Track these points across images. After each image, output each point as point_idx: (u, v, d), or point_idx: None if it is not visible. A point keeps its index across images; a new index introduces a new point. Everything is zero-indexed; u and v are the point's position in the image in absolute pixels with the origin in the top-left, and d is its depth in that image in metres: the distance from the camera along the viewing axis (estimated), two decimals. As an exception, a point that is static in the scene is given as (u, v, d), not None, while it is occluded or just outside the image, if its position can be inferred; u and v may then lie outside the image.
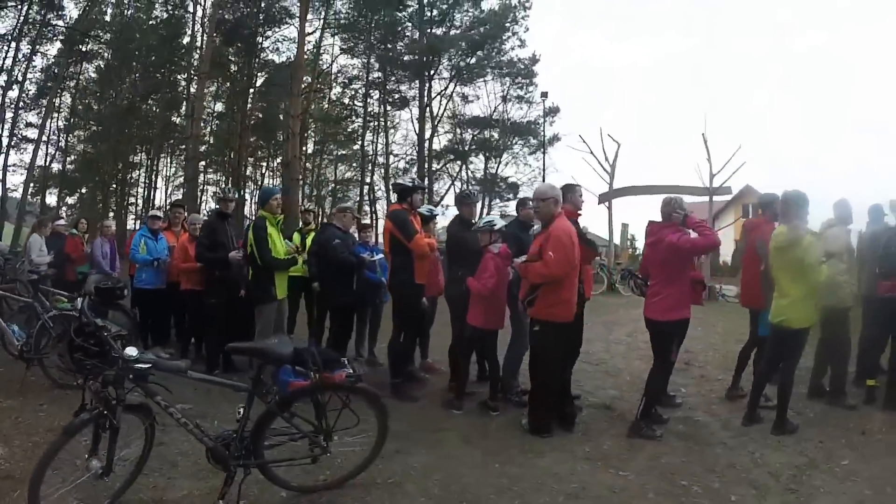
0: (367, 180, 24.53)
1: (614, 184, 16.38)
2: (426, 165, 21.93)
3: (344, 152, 25.63)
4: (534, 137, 21.65)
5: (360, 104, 23.30)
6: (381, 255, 5.39)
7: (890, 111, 40.50)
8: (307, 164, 29.04)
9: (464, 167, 23.26)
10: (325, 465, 3.00)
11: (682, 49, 48.58)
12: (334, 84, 23.95)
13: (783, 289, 4.04)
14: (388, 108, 23.41)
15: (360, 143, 24.29)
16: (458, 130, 23.53)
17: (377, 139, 24.51)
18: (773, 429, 4.01)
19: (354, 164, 24.28)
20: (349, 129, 25.06)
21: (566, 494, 3.07)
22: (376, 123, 24.22)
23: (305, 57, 21.26)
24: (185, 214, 6.53)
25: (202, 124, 22.52)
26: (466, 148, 22.85)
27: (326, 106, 25.11)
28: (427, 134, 22.36)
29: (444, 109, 23.25)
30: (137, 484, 2.74)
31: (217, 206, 5.86)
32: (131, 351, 2.43)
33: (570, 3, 46.28)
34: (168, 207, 12.28)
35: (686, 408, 4.66)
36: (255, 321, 4.82)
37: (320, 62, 22.28)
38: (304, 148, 28.45)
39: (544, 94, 20.99)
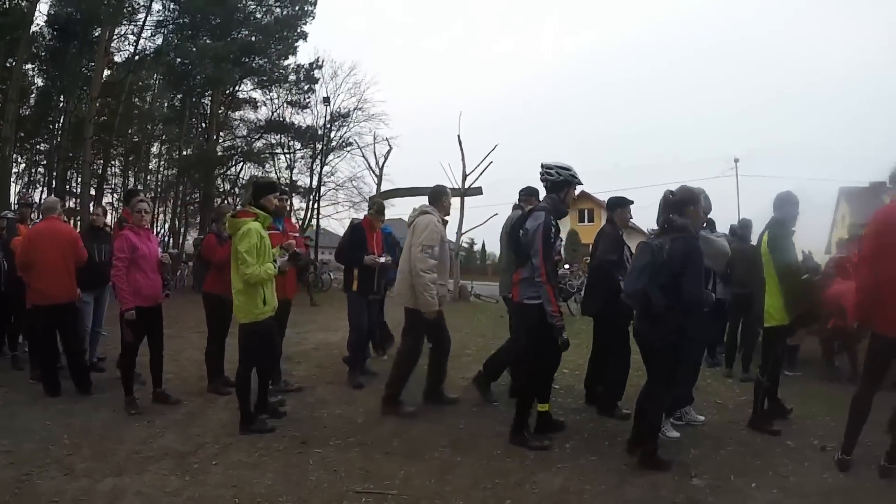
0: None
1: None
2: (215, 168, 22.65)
3: (187, 153, 25.06)
4: (318, 142, 22.01)
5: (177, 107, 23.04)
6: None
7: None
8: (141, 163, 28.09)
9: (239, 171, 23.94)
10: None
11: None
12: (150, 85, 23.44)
13: None
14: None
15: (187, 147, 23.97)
16: (235, 135, 24.34)
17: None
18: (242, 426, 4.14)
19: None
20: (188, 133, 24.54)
21: (43, 431, 4.02)
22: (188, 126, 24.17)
23: (119, 59, 21.03)
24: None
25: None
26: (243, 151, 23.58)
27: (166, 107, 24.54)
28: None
29: (225, 114, 24.02)
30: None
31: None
32: None
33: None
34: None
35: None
36: None
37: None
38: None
39: (326, 100, 21.37)
